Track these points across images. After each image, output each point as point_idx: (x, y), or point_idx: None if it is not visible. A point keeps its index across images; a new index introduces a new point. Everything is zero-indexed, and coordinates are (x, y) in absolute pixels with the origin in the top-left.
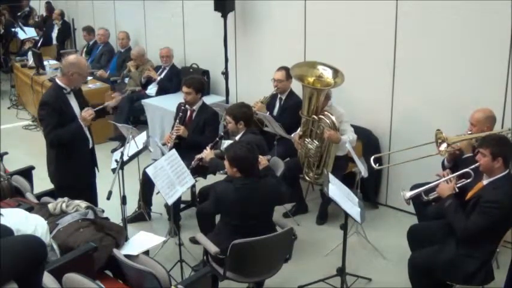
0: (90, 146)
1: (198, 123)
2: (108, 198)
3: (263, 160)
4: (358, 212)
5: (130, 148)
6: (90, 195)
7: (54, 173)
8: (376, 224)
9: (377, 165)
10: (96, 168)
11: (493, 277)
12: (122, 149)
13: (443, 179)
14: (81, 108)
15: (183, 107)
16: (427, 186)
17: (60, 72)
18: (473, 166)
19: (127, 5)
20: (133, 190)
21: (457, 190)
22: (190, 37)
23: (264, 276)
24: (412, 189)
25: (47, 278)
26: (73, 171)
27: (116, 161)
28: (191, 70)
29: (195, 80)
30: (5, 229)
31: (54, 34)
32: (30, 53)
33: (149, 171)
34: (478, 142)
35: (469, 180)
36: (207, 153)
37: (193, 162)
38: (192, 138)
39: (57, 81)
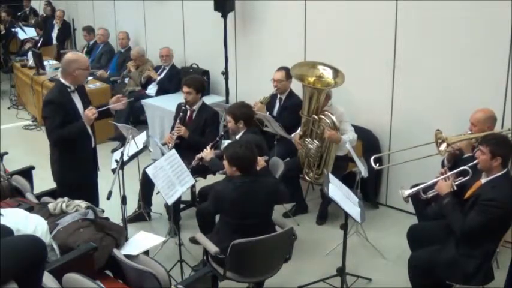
0: (93, 145)
1: (198, 123)
2: (108, 198)
3: (260, 161)
4: (358, 212)
5: (131, 148)
6: (92, 195)
7: (57, 171)
8: (376, 224)
9: (377, 165)
10: (97, 168)
11: (493, 277)
12: (122, 149)
13: (442, 176)
14: (85, 106)
15: (183, 107)
16: (425, 184)
17: (62, 72)
18: (471, 164)
19: (127, 5)
20: (133, 190)
21: (455, 188)
22: (190, 37)
23: (264, 276)
24: (411, 188)
25: (47, 278)
26: (76, 169)
27: (116, 161)
28: (191, 70)
29: (196, 80)
30: (5, 229)
31: (54, 34)
32: (30, 53)
33: (149, 171)
34: (478, 141)
35: (467, 178)
36: (207, 153)
37: (193, 162)
38: (193, 138)
39: (61, 80)
